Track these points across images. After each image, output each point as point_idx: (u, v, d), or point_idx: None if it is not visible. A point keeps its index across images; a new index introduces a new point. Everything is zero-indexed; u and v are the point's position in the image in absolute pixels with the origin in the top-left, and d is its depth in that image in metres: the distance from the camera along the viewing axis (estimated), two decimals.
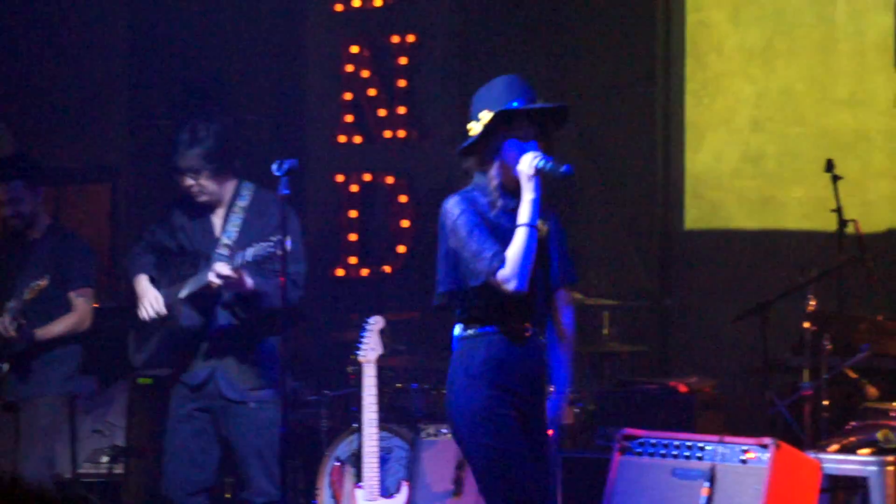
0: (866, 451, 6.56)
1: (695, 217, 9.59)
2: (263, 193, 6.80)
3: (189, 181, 6.66)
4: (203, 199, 6.71)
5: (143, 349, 6.80)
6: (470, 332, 5.30)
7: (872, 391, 7.28)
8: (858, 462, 6.54)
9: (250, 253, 6.27)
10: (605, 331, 8.47)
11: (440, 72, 10.49)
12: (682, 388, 7.50)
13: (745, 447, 6.29)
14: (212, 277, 6.41)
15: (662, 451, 6.52)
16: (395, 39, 10.54)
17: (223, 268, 6.38)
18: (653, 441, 6.56)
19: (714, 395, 7.94)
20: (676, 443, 6.50)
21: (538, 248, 5.20)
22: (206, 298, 6.59)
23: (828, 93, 9.19)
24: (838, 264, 7.66)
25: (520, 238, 5.14)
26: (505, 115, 5.21)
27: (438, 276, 5.38)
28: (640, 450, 6.58)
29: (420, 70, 10.56)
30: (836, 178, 7.78)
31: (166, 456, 6.75)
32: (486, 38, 10.27)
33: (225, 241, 6.63)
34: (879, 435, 6.59)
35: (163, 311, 6.64)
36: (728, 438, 6.38)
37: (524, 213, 5.16)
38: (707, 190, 9.50)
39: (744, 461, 6.26)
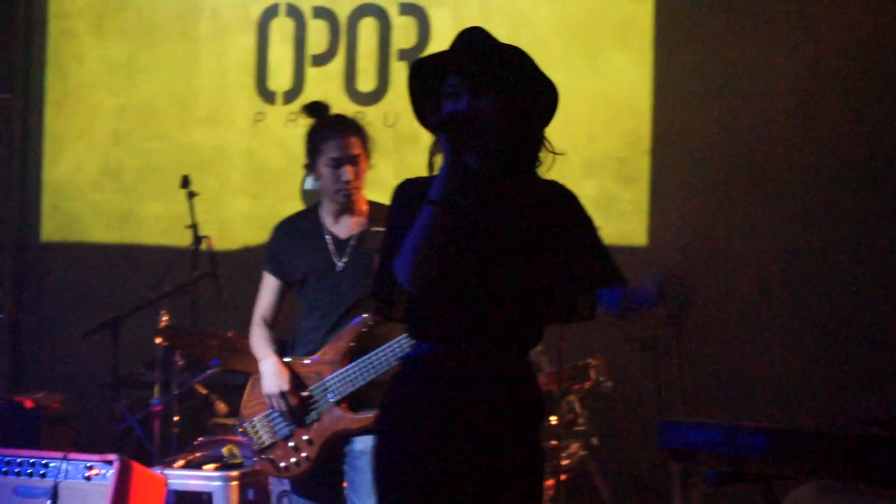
0: (211, 466, 6.64)
1: (51, 229, 9.42)
2: None
3: None
4: None
5: None
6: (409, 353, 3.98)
7: (222, 407, 7.38)
8: (203, 477, 6.62)
9: None
10: None
11: None
12: (28, 404, 7.34)
13: (89, 464, 6.23)
14: None
15: (5, 469, 6.36)
16: None
17: None
18: None
19: (62, 411, 7.82)
20: (20, 460, 6.35)
21: (489, 240, 3.86)
22: None
23: (189, 109, 9.26)
24: (192, 280, 7.72)
25: (418, 219, 3.78)
26: (418, 69, 3.91)
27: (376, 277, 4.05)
28: None
29: None
30: (192, 195, 7.82)
31: None
32: None
33: None
34: (225, 450, 6.69)
35: None
36: (73, 455, 6.30)
37: (434, 186, 3.80)
38: (65, 202, 9.36)
39: (88, 478, 6.21)
